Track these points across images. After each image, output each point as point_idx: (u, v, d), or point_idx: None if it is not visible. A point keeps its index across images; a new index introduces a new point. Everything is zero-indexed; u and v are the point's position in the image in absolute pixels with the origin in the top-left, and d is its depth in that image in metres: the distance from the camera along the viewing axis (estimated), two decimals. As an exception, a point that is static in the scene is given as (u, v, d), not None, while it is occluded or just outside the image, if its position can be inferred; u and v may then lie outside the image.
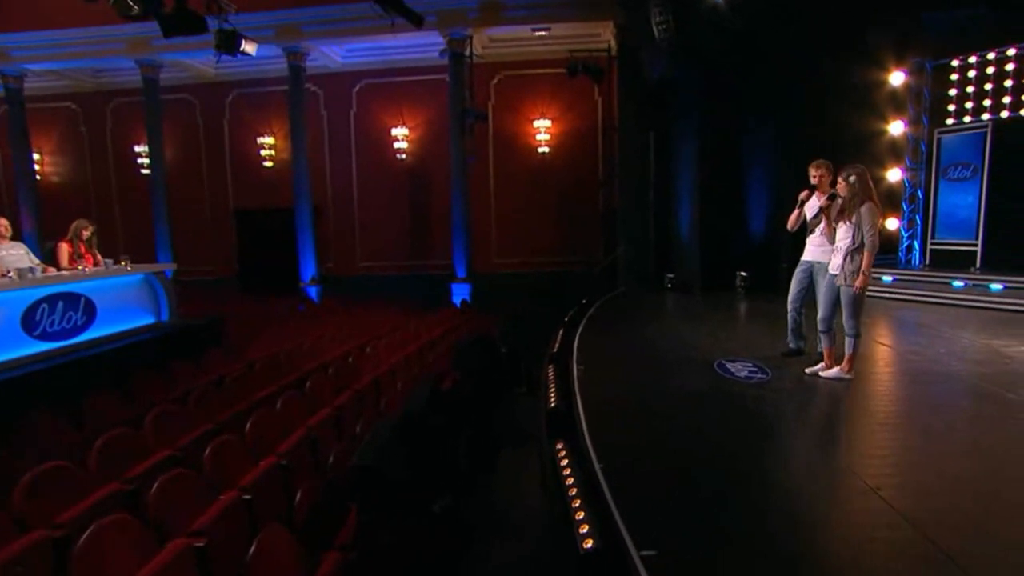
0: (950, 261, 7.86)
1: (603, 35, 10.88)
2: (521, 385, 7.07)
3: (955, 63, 8.22)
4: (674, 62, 8.70)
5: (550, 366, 4.76)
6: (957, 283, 7.41)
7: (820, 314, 4.29)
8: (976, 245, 7.82)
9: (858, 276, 4.01)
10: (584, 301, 8.11)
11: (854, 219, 4.06)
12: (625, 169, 10.33)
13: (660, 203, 9.94)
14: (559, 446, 2.95)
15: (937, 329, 5.99)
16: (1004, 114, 7.82)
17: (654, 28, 8.29)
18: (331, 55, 12.00)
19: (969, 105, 8.13)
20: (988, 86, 7.95)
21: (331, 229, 12.88)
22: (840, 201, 4.19)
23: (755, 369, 4.57)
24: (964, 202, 7.89)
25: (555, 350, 5.35)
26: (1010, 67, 7.76)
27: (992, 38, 7.79)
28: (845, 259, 4.10)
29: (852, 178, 4.12)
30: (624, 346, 5.80)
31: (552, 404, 3.78)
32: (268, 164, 12.83)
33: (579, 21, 10.27)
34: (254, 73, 12.34)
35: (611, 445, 3.01)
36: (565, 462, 2.76)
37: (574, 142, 12.08)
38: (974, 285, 7.26)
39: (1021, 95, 7.73)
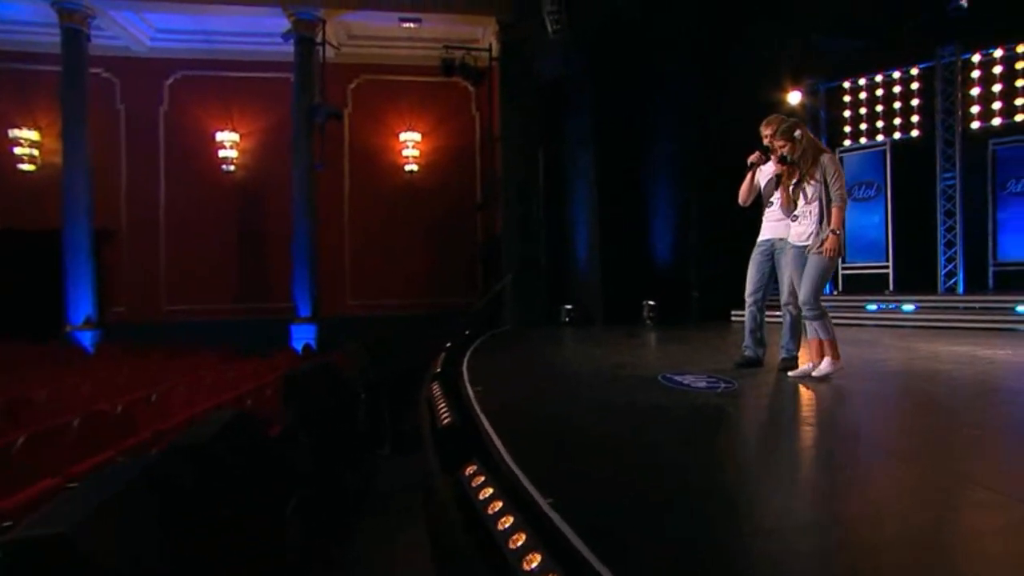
0: (865, 284, 8.01)
1: (482, 39, 10.47)
2: (383, 444, 5.84)
3: (846, 85, 8.82)
4: (568, 62, 8.45)
5: (433, 384, 3.74)
6: (871, 306, 7.72)
7: (802, 297, 3.81)
8: (888, 267, 8.06)
9: (827, 238, 3.65)
10: (468, 332, 7.14)
11: (817, 176, 3.74)
12: (509, 188, 9.69)
13: (552, 226, 9.42)
14: (470, 471, 1.73)
15: (880, 341, 5.92)
16: (896, 135, 8.38)
17: (547, 21, 7.97)
18: (136, 34, 10.23)
19: (864, 127, 8.68)
20: (879, 108, 8.53)
21: (125, 260, 10.56)
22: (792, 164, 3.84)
23: (714, 380, 3.84)
24: (871, 222, 8.23)
25: (439, 370, 4.33)
26: (897, 89, 8.44)
27: (879, 62, 8.45)
28: (820, 223, 3.74)
29: (797, 132, 3.79)
30: (531, 368, 5.02)
31: (445, 420, 2.78)
32: (26, 168, 10.31)
33: (456, 13, 9.75)
34: (22, 43, 10.07)
35: (555, 474, 2.04)
36: (487, 493, 1.55)
37: (448, 160, 11.32)
38: (888, 307, 7.52)
39: (910, 117, 8.35)
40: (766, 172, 4.26)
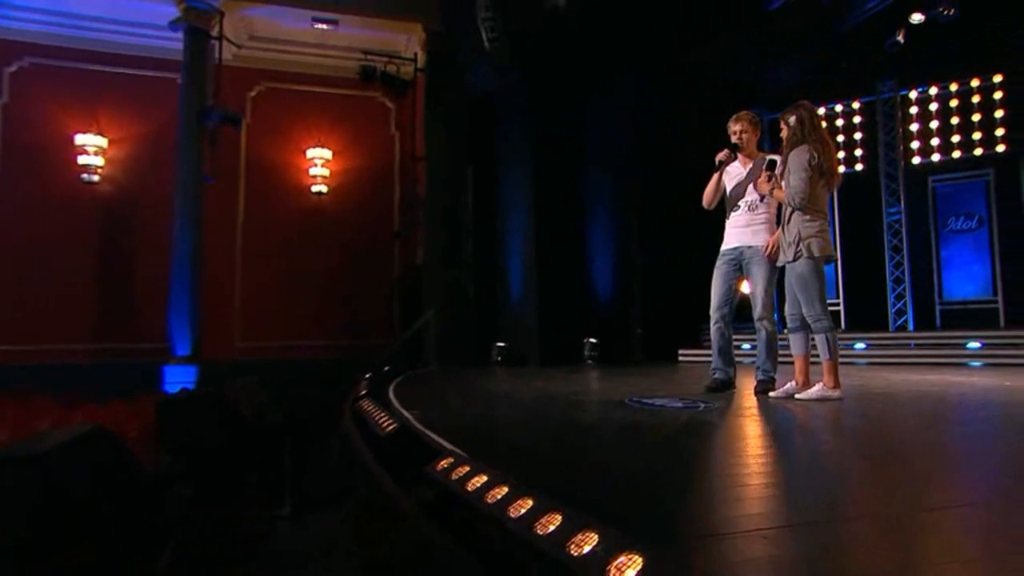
0: None
1: (407, 48, 10.41)
2: (282, 501, 5.23)
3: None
4: (503, 75, 8.54)
5: (361, 401, 3.42)
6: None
7: (805, 310, 3.77)
8: (839, 304, 8.40)
9: (798, 243, 3.66)
10: (387, 368, 6.77)
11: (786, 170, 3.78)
12: (433, 213, 9.48)
13: (482, 256, 9.32)
14: (444, 464, 1.63)
15: (849, 370, 6.10)
16: (841, 168, 8.92)
17: (481, 30, 8.02)
18: (-27, 9, 9.35)
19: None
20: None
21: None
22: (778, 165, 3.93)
23: (690, 402, 3.79)
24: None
25: (362, 393, 3.95)
26: (840, 123, 9.14)
27: (822, 94, 9.08)
28: (783, 225, 3.80)
29: (792, 119, 3.84)
30: (473, 396, 4.82)
31: (389, 427, 2.65)
32: None
33: (378, 17, 9.62)
34: None
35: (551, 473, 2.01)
36: (480, 481, 1.59)
37: (363, 181, 10.98)
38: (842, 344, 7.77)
39: (854, 150, 8.98)
40: (733, 173, 4.31)
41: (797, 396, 3.80)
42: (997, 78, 8.20)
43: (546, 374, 6.82)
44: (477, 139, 9.27)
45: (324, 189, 10.82)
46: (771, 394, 3.99)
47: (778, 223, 4.07)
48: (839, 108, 9.26)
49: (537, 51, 8.27)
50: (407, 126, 10.81)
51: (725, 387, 4.26)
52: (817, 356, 3.79)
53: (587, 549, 1.13)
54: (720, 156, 4.25)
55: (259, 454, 5.06)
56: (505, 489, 1.48)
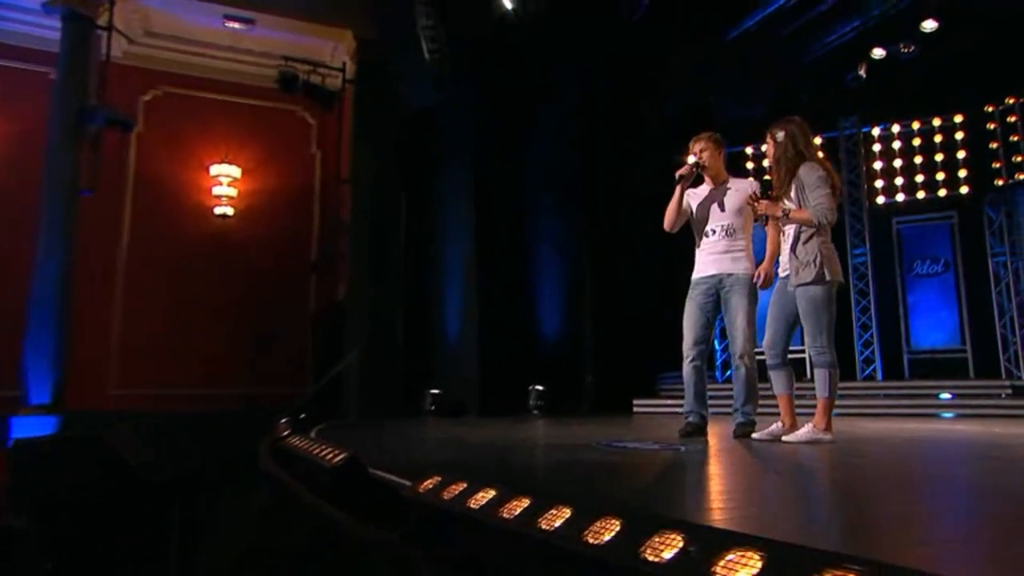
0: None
1: (334, 56, 10.36)
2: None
3: (749, 151, 9.92)
4: (445, 91, 8.66)
5: (288, 439, 3.21)
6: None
7: (766, 340, 3.95)
8: (804, 352, 8.64)
9: (820, 264, 3.71)
10: (302, 415, 6.45)
11: (792, 193, 3.86)
12: (359, 243, 9.33)
13: (414, 292, 9.23)
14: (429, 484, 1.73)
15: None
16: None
17: (421, 40, 8.11)
18: None
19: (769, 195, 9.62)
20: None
21: None
22: (766, 202, 4.00)
23: (668, 445, 3.84)
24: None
25: (284, 433, 4.02)
26: None
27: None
28: (796, 247, 3.81)
29: (780, 134, 3.96)
30: (413, 440, 4.78)
31: (336, 459, 2.43)
32: None
33: (302, 20, 9.57)
34: None
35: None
36: (487, 496, 1.55)
37: (277, 205, 10.73)
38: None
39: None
40: (700, 195, 4.44)
41: (785, 438, 3.82)
42: (958, 118, 8.88)
43: (490, 423, 6.72)
44: (412, 160, 9.27)
45: (230, 211, 10.49)
46: (754, 435, 4.02)
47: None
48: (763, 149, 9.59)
49: (482, 64, 8.42)
50: (331, 144, 10.69)
51: (701, 432, 4.28)
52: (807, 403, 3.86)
53: (672, 553, 1.06)
54: (681, 171, 4.35)
55: (144, 513, 4.67)
56: (525, 501, 1.40)
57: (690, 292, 4.40)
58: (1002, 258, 8.52)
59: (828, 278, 3.74)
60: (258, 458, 4.06)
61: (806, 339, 3.81)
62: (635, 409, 8.68)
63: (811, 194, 3.77)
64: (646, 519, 1.23)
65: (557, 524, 1.28)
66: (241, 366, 9.98)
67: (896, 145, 9.24)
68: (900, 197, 9.10)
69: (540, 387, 8.41)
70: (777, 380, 3.98)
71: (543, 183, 9.01)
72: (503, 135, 8.71)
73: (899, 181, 9.11)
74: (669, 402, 8.60)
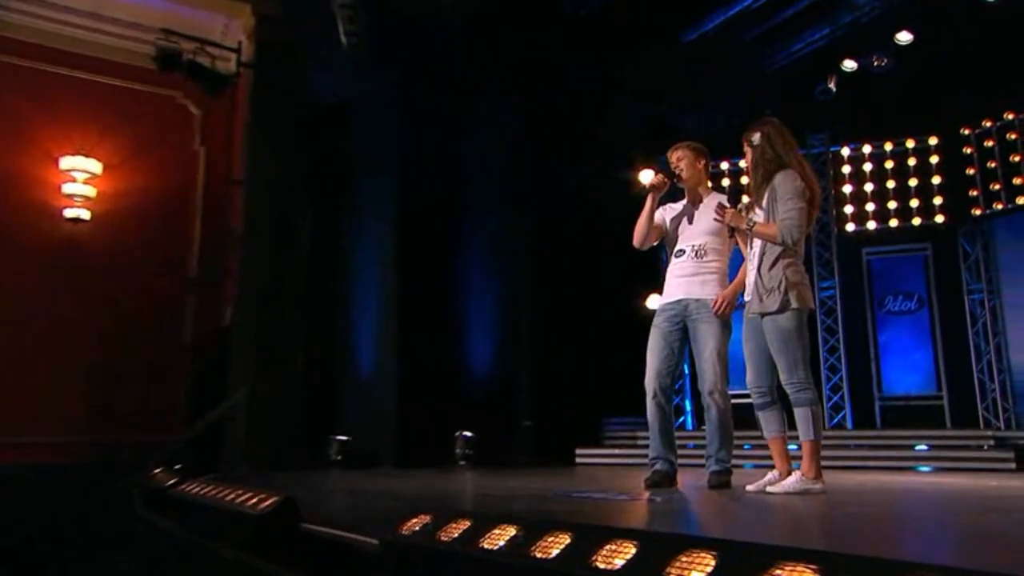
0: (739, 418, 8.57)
1: (227, 34, 10.00)
2: None
3: (724, 165, 10.34)
4: (366, 81, 8.58)
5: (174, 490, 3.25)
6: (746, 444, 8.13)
7: (749, 377, 3.98)
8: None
9: (785, 290, 3.76)
10: (178, 466, 6.24)
11: (764, 203, 3.92)
12: (252, 257, 8.97)
13: (320, 318, 8.99)
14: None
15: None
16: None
17: (338, 23, 7.94)
18: None
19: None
20: (746, 198, 9.78)
21: None
22: (741, 209, 4.13)
23: (633, 495, 3.86)
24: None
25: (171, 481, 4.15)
26: None
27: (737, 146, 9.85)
28: (761, 268, 3.86)
29: (756, 136, 4.03)
30: (326, 492, 4.65)
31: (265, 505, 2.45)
32: None
33: (187, -11, 9.13)
34: None
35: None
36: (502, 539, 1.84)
37: (147, 208, 10.16)
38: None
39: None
40: (675, 208, 4.58)
41: (770, 489, 3.83)
42: (933, 140, 9.37)
43: (410, 475, 6.63)
44: (321, 161, 9.09)
45: (85, 215, 9.83)
46: (749, 488, 3.97)
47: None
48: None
49: (410, 51, 8.27)
50: (220, 138, 10.32)
51: (670, 481, 4.27)
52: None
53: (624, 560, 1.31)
54: (653, 180, 4.44)
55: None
56: (566, 537, 1.58)
57: (655, 319, 4.47)
58: (978, 295, 8.97)
59: (795, 305, 3.76)
60: (130, 511, 3.83)
61: (780, 376, 3.83)
62: (578, 459, 8.71)
63: (782, 206, 3.78)
64: (596, 529, 1.50)
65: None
66: (95, 406, 9.32)
67: (867, 167, 9.68)
68: (872, 225, 9.45)
69: (469, 433, 8.26)
70: (767, 421, 3.99)
71: (480, 196, 9.01)
72: (435, 137, 8.61)
73: (870, 207, 9.49)
74: (616, 452, 8.77)
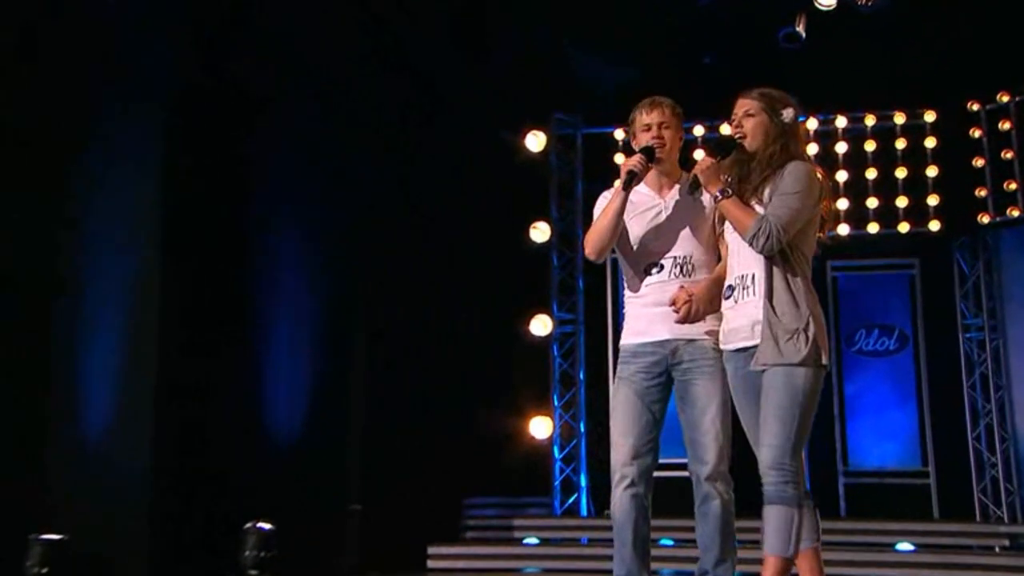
0: (671, 493, 8.23)
1: None
2: None
3: (619, 135, 9.91)
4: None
5: None
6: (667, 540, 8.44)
7: (764, 455, 3.79)
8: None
9: (814, 337, 3.72)
10: None
11: (766, 196, 3.88)
12: None
13: (25, 356, 8.07)
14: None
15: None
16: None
17: None
18: None
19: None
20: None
21: None
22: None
23: None
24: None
25: None
26: (699, 155, 9.29)
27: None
28: (774, 296, 3.81)
29: (789, 113, 3.94)
30: None
31: None
32: None
33: None
34: None
35: None
36: None
37: None
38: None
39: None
40: (640, 206, 4.42)
41: None
42: (929, 116, 9.12)
43: None
44: (40, 155, 8.28)
45: None
46: None
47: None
48: (698, 131, 9.60)
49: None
50: None
51: None
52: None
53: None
54: (632, 163, 4.17)
55: None
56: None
57: (621, 369, 4.36)
58: (978, 334, 8.85)
59: (824, 361, 3.73)
60: None
61: (763, 453, 3.72)
62: (431, 562, 8.63)
63: (778, 197, 3.74)
64: None
65: None
66: None
67: (840, 148, 9.43)
68: (844, 229, 9.24)
69: (266, 525, 7.57)
70: (772, 515, 3.87)
71: (281, 190, 8.79)
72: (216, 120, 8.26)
73: (842, 204, 9.27)
74: (484, 551, 8.73)
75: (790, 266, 3.78)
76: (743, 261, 3.90)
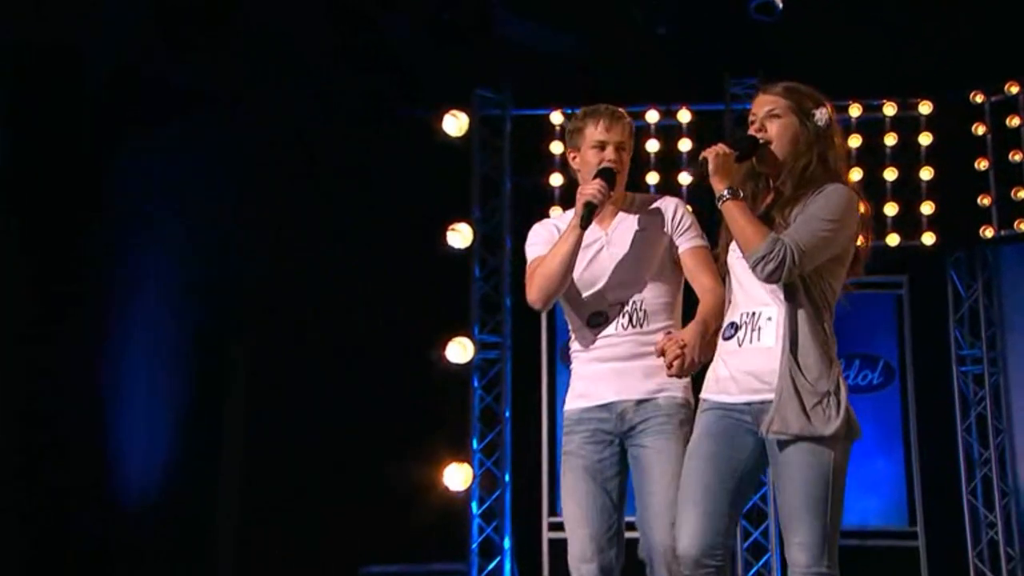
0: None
1: None
2: None
3: (557, 119, 9.65)
4: None
5: None
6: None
7: (798, 557, 3.61)
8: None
9: (844, 405, 3.54)
10: None
11: (792, 216, 3.68)
12: None
13: None
14: None
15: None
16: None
17: None
18: None
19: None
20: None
21: None
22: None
23: None
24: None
25: None
26: (654, 146, 9.45)
27: (620, 89, 9.18)
28: (798, 347, 3.62)
29: (822, 114, 3.89)
30: None
31: None
32: None
33: None
34: None
35: None
36: None
37: None
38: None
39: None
40: (596, 234, 4.32)
41: None
42: (925, 108, 8.95)
43: None
44: None
45: None
46: None
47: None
48: (653, 117, 9.40)
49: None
50: None
51: None
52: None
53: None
54: (591, 192, 4.00)
55: None
56: None
57: (566, 442, 4.26)
58: (974, 367, 8.77)
59: (855, 432, 3.61)
60: None
61: (792, 555, 3.49)
62: None
63: (803, 218, 3.54)
64: None
65: None
66: None
67: None
68: None
69: None
70: None
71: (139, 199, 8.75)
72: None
73: None
74: None
75: (816, 309, 3.55)
76: (754, 296, 3.67)
